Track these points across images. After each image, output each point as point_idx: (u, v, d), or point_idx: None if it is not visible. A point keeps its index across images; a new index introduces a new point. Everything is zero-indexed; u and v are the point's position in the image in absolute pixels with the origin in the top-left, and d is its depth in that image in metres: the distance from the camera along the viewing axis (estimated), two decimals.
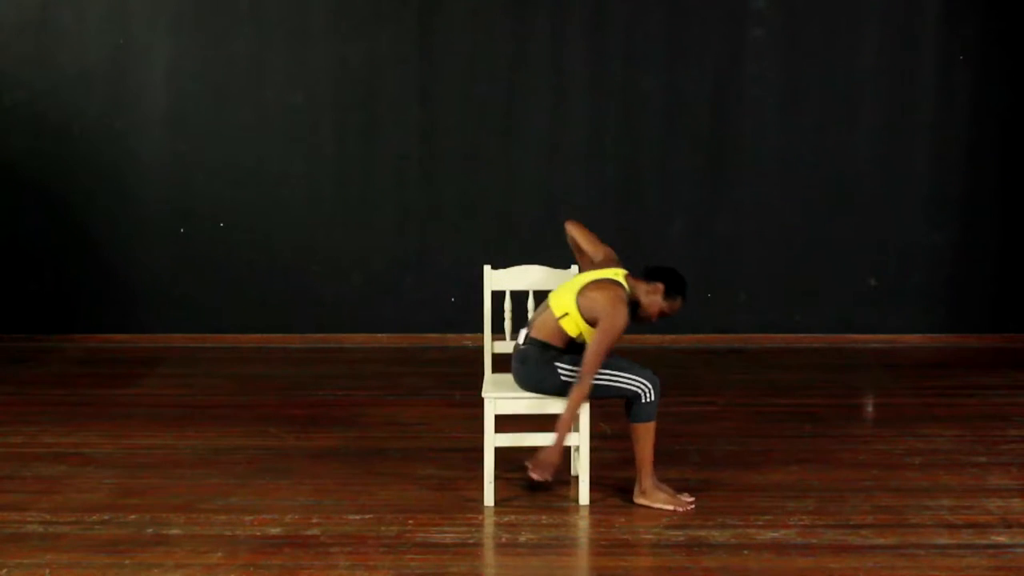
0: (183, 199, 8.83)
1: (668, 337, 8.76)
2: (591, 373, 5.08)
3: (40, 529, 5.01)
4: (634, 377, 5.19)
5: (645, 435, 5.21)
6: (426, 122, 8.80)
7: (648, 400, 5.19)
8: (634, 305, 5.28)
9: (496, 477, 5.33)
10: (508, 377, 5.48)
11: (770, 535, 4.94)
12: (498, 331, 5.96)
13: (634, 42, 8.72)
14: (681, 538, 4.92)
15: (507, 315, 5.73)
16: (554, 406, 5.29)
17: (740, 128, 8.78)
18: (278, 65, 8.76)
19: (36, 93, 8.74)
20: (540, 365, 5.22)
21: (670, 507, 5.21)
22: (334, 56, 8.76)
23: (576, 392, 5.10)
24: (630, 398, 5.20)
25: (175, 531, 4.99)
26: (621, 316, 5.12)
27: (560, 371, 5.21)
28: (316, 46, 8.75)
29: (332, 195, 8.86)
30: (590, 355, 5.07)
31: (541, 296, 5.78)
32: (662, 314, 5.33)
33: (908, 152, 8.80)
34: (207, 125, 8.78)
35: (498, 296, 5.96)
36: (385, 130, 8.81)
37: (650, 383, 5.19)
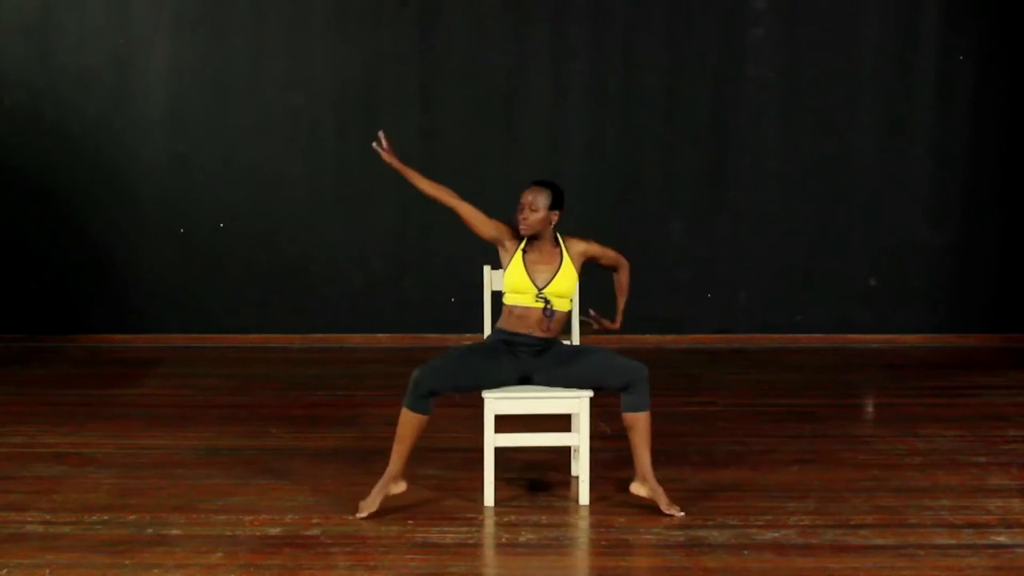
0: (183, 199, 8.83)
1: (668, 337, 8.76)
2: None
3: (40, 529, 5.01)
4: (627, 360, 5.22)
5: (643, 424, 5.19)
6: (426, 122, 8.80)
7: (641, 388, 5.16)
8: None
9: (496, 477, 5.32)
10: None
11: (770, 535, 4.94)
12: None
13: (634, 42, 8.72)
14: (681, 538, 4.91)
15: None
16: (554, 406, 5.29)
17: (740, 128, 8.79)
18: (278, 65, 8.76)
19: (36, 93, 8.75)
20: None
21: (663, 505, 5.17)
22: (334, 56, 8.76)
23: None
24: (622, 386, 5.17)
25: (175, 531, 4.99)
26: None
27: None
28: (316, 46, 8.75)
29: (332, 195, 8.87)
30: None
31: None
32: (524, 210, 5.30)
33: (908, 152, 8.80)
34: (207, 125, 8.78)
35: (498, 296, 5.95)
36: (385, 130, 8.78)
37: (641, 369, 5.19)
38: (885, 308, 8.89)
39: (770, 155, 8.81)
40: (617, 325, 5.51)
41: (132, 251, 8.87)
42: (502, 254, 5.38)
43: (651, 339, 8.73)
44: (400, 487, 5.22)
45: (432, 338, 8.77)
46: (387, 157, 5.58)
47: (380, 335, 8.89)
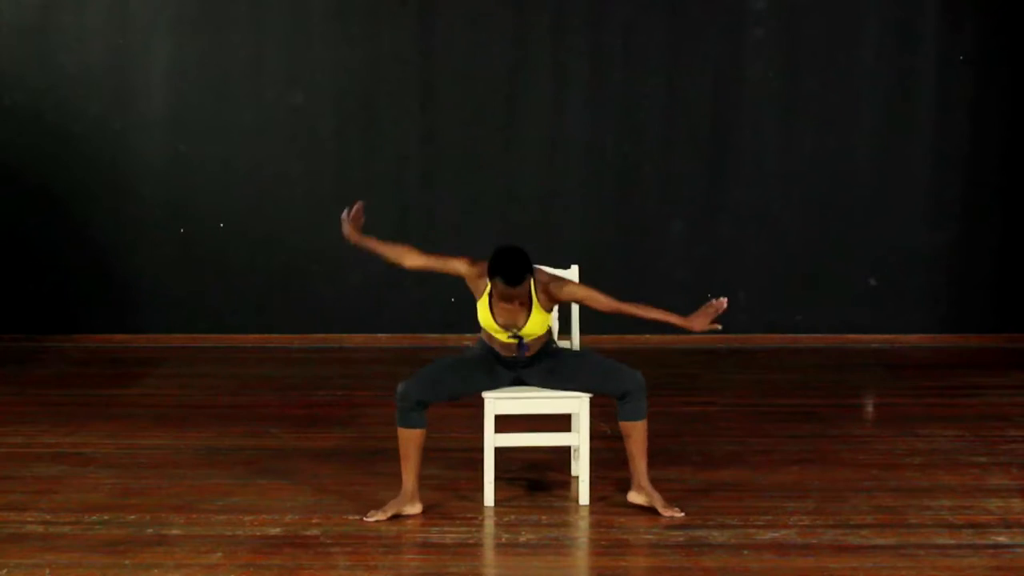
0: (183, 199, 8.83)
1: (668, 337, 8.75)
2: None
3: (40, 529, 5.01)
4: (623, 368, 5.20)
5: (640, 433, 5.17)
6: (426, 122, 8.80)
7: (638, 396, 5.15)
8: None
9: (496, 477, 5.32)
10: None
11: (770, 535, 4.94)
12: None
13: (634, 42, 8.72)
14: (681, 538, 4.91)
15: None
16: (554, 406, 5.29)
17: (740, 128, 8.78)
18: (278, 65, 8.76)
19: (36, 93, 8.74)
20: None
21: (661, 508, 5.16)
22: (334, 56, 8.76)
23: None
24: (618, 394, 5.16)
25: (175, 531, 4.99)
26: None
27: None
28: (316, 46, 8.75)
29: (332, 195, 8.84)
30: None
31: None
32: (503, 299, 5.09)
33: (908, 152, 8.80)
34: (207, 125, 8.78)
35: None
36: (385, 130, 8.81)
37: (638, 379, 5.17)
38: (885, 308, 8.89)
39: (770, 155, 8.81)
40: (696, 323, 5.16)
41: (132, 251, 8.86)
42: (471, 287, 5.26)
43: (651, 339, 8.73)
44: (415, 508, 5.20)
45: (432, 338, 8.77)
46: (348, 229, 5.41)
47: (380, 335, 8.89)
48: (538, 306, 5.18)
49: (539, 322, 5.20)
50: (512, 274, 4.99)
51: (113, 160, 8.79)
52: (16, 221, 8.85)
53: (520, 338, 5.19)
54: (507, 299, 5.07)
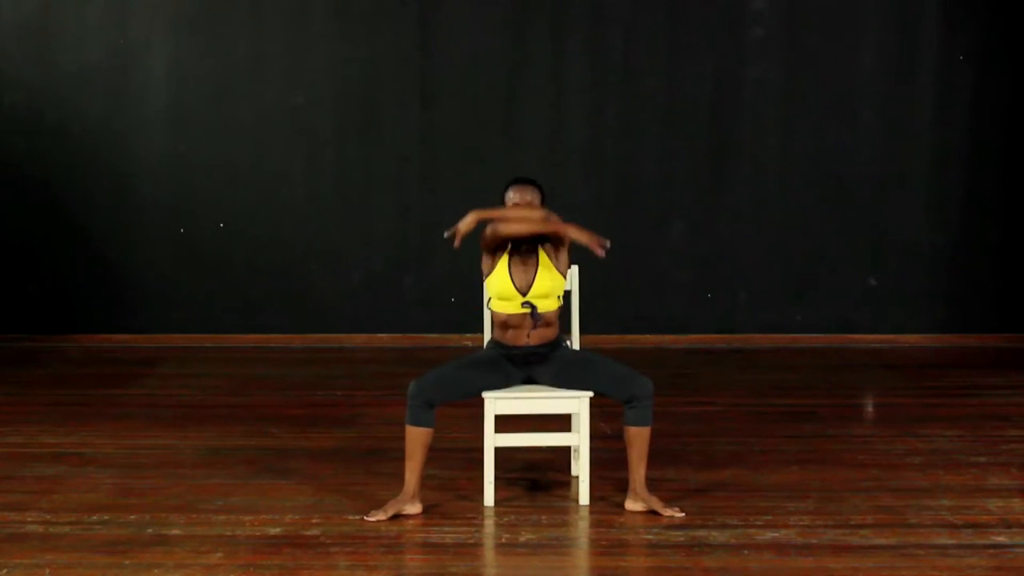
0: (183, 199, 8.83)
1: (668, 337, 8.76)
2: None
3: (40, 529, 5.01)
4: (633, 374, 5.18)
5: (643, 440, 5.16)
6: (426, 122, 8.81)
7: (646, 403, 5.14)
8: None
9: (496, 477, 5.32)
10: None
11: (770, 535, 4.93)
12: None
13: (634, 42, 8.73)
14: (681, 538, 4.91)
15: None
16: (554, 406, 5.29)
17: (740, 128, 8.79)
18: (278, 65, 8.77)
19: (36, 93, 8.75)
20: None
21: (660, 510, 5.15)
22: (334, 56, 8.77)
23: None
24: (626, 399, 5.15)
25: (175, 531, 4.99)
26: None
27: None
28: (316, 46, 8.76)
29: (332, 195, 8.87)
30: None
31: None
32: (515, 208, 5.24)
33: (908, 152, 8.80)
34: (207, 125, 8.79)
35: None
36: (385, 130, 8.82)
37: (647, 385, 5.16)
38: (885, 308, 8.90)
39: (770, 155, 8.81)
40: (598, 249, 5.17)
41: (132, 251, 8.87)
42: (485, 261, 5.32)
43: (651, 339, 8.73)
44: (415, 508, 5.19)
45: (432, 338, 8.77)
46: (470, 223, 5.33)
47: (380, 335, 8.89)
48: (543, 256, 5.22)
49: (547, 278, 5.21)
50: (523, 179, 5.31)
51: (113, 160, 8.80)
52: (16, 221, 8.86)
53: (533, 307, 5.19)
54: (527, 208, 5.19)
